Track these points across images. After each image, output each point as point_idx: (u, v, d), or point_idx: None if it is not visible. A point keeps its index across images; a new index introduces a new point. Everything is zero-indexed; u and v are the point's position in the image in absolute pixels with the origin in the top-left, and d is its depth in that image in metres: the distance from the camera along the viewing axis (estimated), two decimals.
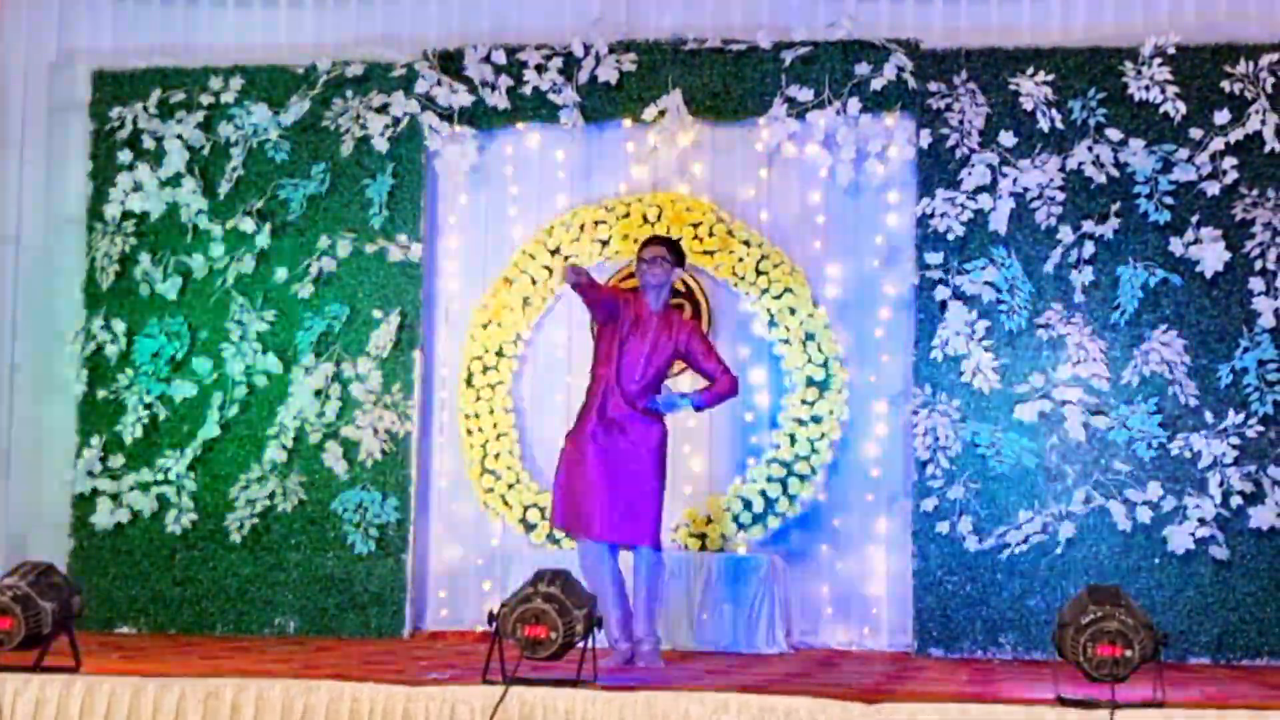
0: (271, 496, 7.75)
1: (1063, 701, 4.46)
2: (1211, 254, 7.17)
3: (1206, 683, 5.75)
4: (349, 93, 7.92)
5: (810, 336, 7.65)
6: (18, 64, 8.34)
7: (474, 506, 7.93)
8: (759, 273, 7.71)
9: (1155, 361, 7.19)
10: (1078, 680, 4.61)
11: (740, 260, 7.72)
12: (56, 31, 8.36)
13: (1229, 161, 7.21)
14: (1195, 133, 7.25)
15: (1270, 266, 7.16)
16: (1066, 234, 7.31)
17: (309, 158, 7.94)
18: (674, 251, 6.37)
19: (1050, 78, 7.39)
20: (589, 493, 6.10)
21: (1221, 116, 7.23)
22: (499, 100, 7.81)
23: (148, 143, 8.05)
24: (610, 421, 6.16)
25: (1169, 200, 7.26)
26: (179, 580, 7.80)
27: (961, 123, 7.44)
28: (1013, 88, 7.42)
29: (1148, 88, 7.30)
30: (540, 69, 7.79)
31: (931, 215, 7.43)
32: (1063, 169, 7.35)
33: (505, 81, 7.81)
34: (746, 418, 7.79)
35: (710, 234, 7.76)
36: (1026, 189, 7.37)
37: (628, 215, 7.85)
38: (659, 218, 7.79)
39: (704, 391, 6.40)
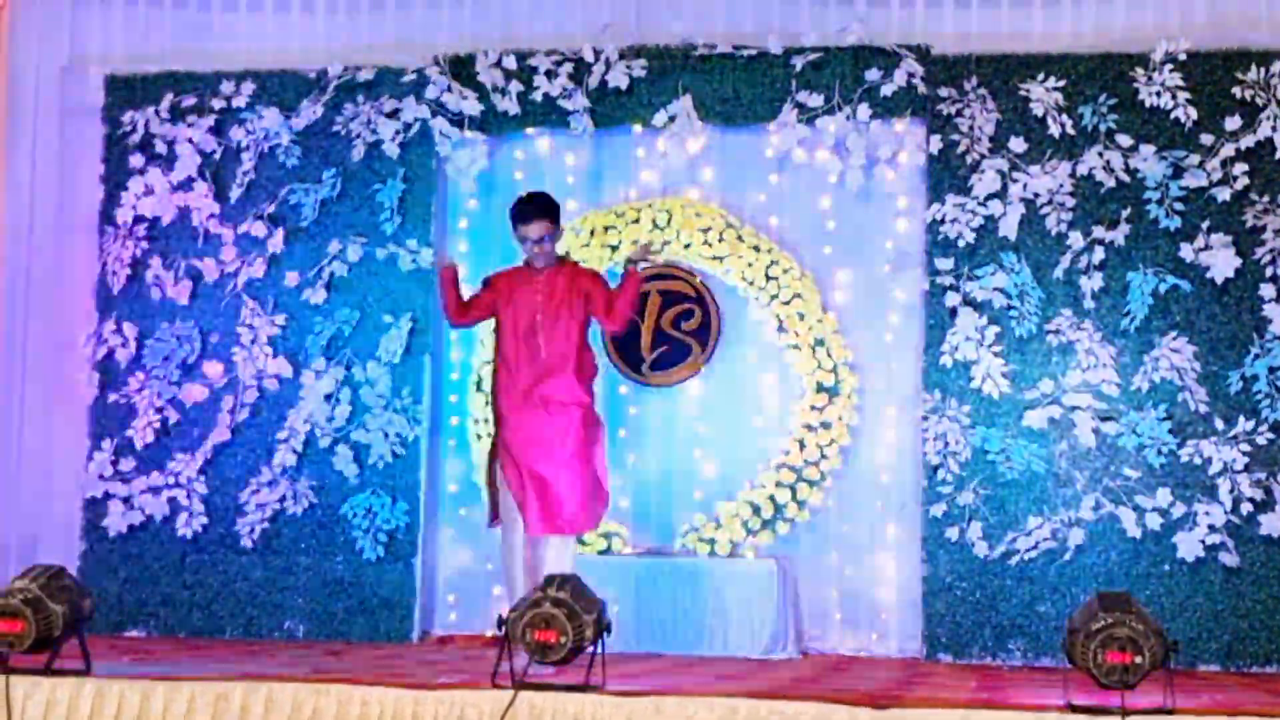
0: (281, 500, 7.77)
1: (1072, 708, 4.46)
2: (1222, 260, 7.16)
3: (1216, 690, 5.73)
4: (360, 98, 7.93)
5: (820, 342, 7.65)
6: (30, 68, 8.35)
7: (483, 511, 7.92)
8: (768, 278, 7.71)
9: (1165, 368, 7.18)
10: (1087, 687, 4.60)
11: (750, 265, 7.73)
12: (69, 36, 8.37)
13: (1240, 168, 7.20)
14: (1206, 139, 7.24)
15: None
16: (1076, 240, 7.31)
17: (320, 162, 7.96)
18: (555, 218, 6.41)
19: (1061, 83, 7.38)
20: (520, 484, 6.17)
21: (1233, 122, 7.22)
22: (509, 106, 7.83)
23: (159, 147, 8.08)
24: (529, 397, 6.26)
25: (1179, 206, 7.25)
26: (189, 584, 7.81)
27: (972, 128, 7.44)
28: (1023, 93, 7.42)
29: (1158, 93, 7.29)
30: (550, 74, 7.80)
31: (941, 221, 7.43)
32: (1073, 175, 7.34)
33: (516, 87, 7.82)
34: (756, 423, 7.79)
35: (720, 239, 7.76)
36: (1037, 195, 7.36)
37: (637, 220, 7.85)
38: (669, 223, 7.80)
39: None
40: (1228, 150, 7.22)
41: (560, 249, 6.66)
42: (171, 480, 7.87)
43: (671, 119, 7.72)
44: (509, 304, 6.42)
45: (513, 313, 6.41)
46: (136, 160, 8.07)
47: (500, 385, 6.44)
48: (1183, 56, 7.29)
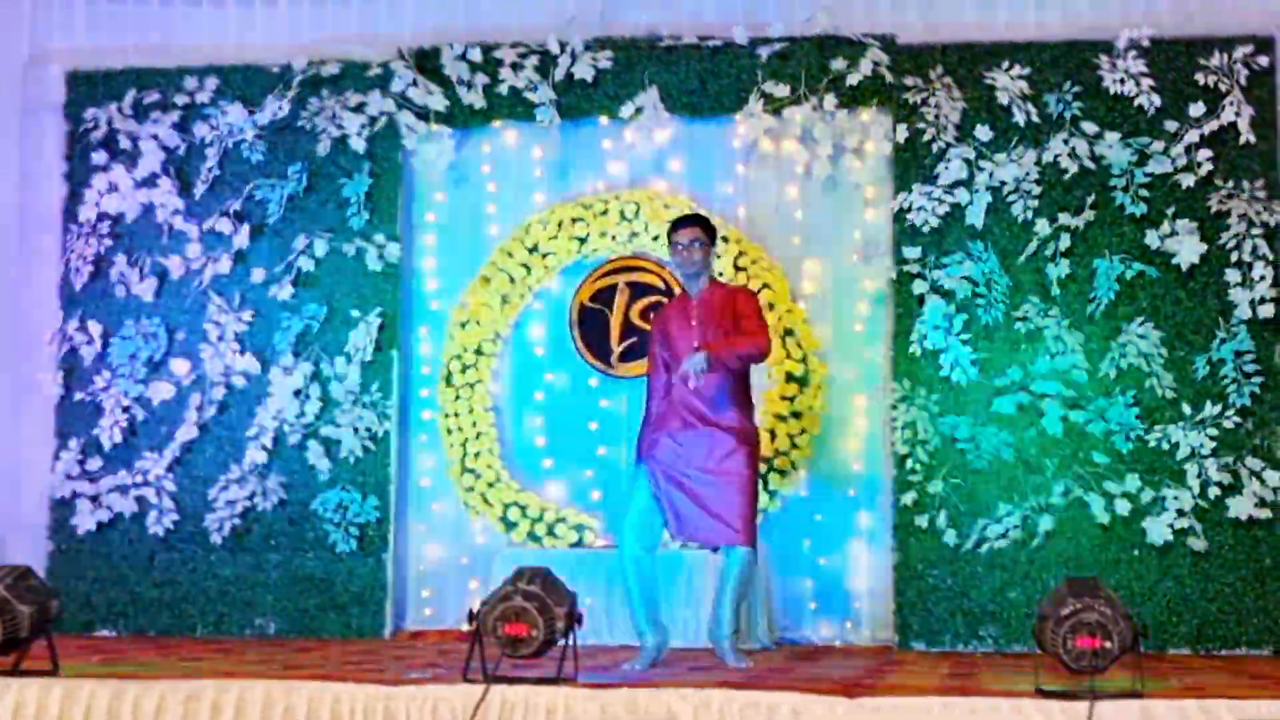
0: (251, 497, 7.73)
1: (1043, 693, 4.48)
2: (1187, 246, 7.19)
3: (1186, 673, 5.77)
4: (325, 92, 7.90)
5: (789, 332, 7.66)
6: None
7: (455, 505, 7.92)
8: (737, 269, 7.71)
9: (1132, 354, 7.21)
10: (1058, 672, 4.62)
11: (718, 257, 7.72)
12: (30, 31, 8.31)
13: (1204, 154, 7.24)
14: (1170, 125, 7.28)
15: (1245, 258, 7.19)
16: (1043, 227, 7.33)
17: (285, 158, 7.92)
18: (708, 230, 6.05)
19: (1026, 71, 7.41)
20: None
21: (1196, 109, 7.26)
22: (475, 99, 7.80)
23: (123, 143, 8.02)
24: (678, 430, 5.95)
25: (1144, 193, 7.29)
26: (159, 582, 7.77)
27: (938, 117, 7.45)
28: (988, 82, 7.44)
29: (1123, 81, 7.32)
30: (516, 67, 7.78)
31: (908, 210, 7.45)
32: (1039, 162, 7.37)
33: (481, 80, 7.80)
34: None
35: None
36: (1003, 182, 7.38)
37: (605, 212, 7.84)
38: (636, 214, 7.79)
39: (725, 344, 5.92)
40: (1192, 136, 7.25)
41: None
42: (140, 479, 7.83)
43: (638, 110, 7.71)
44: (668, 339, 6.08)
45: (665, 340, 6.09)
46: (100, 157, 8.02)
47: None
48: (1146, 44, 7.32)
